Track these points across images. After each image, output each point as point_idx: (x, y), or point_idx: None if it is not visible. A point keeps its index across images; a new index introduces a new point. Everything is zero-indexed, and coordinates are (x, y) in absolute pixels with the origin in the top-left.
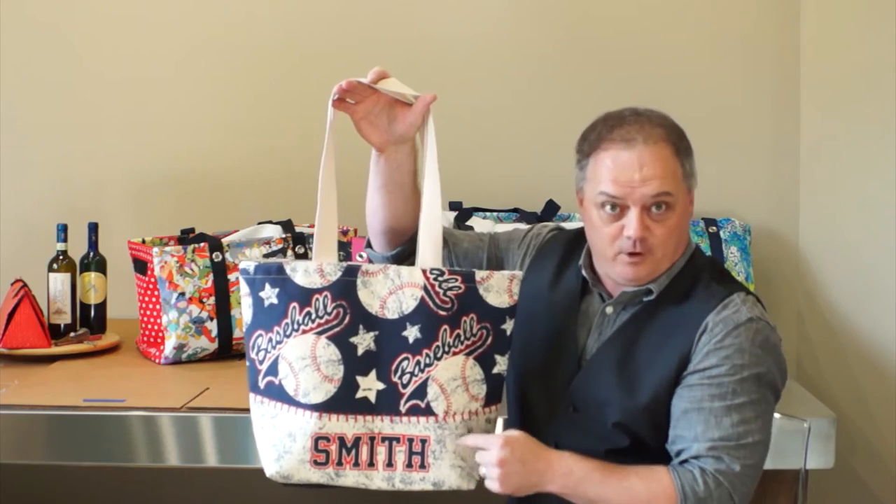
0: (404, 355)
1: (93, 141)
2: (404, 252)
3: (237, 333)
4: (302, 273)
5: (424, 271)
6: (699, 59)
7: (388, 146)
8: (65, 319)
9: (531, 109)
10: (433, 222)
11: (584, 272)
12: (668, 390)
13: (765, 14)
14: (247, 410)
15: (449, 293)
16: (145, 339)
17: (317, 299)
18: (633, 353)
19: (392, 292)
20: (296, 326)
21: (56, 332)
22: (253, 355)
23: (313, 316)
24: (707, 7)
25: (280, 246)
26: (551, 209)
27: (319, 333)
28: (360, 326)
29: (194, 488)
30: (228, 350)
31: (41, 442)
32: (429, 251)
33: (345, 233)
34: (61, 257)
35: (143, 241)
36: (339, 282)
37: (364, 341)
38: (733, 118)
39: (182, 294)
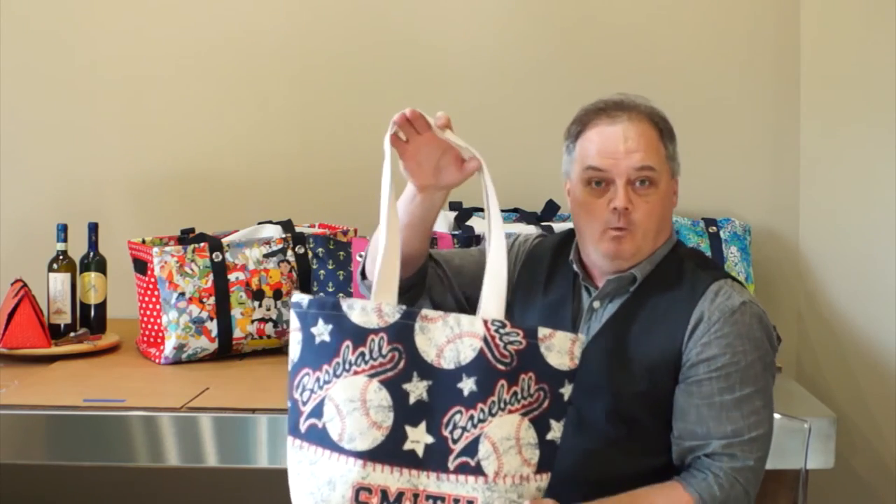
0: (457, 408)
1: (93, 141)
2: (401, 287)
3: (237, 333)
4: (359, 311)
5: (486, 321)
6: (699, 59)
7: (428, 189)
8: (65, 319)
9: (531, 109)
10: (499, 275)
11: (574, 266)
12: (662, 374)
13: (765, 14)
14: (246, 410)
15: (509, 347)
16: (145, 339)
17: (372, 340)
18: (623, 342)
19: (450, 340)
20: (347, 367)
21: (56, 332)
22: (296, 395)
23: (367, 357)
24: (707, 7)
25: (280, 246)
26: (551, 209)
27: (372, 376)
28: (415, 373)
29: (194, 488)
30: (228, 350)
31: (41, 442)
32: (492, 303)
33: (345, 233)
34: (61, 257)
35: (143, 241)
36: (396, 324)
37: (417, 389)
38: (734, 119)
39: (182, 294)
